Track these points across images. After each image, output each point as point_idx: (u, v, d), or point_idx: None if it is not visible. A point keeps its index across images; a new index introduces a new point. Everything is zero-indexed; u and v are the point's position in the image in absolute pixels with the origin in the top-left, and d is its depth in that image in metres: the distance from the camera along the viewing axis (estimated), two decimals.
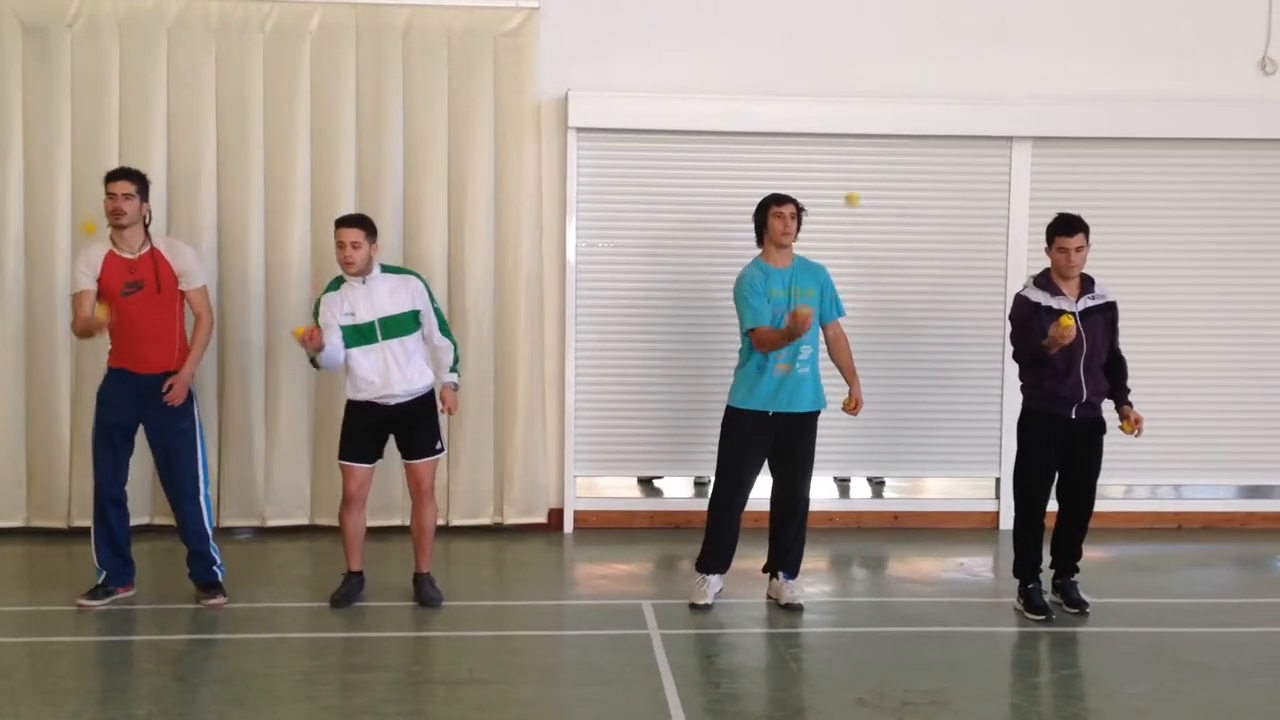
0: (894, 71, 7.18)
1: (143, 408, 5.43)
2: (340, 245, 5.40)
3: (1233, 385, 7.42)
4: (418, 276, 5.63)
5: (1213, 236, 7.38)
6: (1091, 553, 6.52)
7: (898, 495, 8.05)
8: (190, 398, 5.52)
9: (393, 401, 5.48)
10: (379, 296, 5.45)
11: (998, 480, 7.40)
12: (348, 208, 6.85)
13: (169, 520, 6.80)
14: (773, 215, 5.55)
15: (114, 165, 6.61)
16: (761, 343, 5.45)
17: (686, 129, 7.08)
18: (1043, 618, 5.46)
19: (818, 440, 5.71)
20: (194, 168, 6.76)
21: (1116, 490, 7.86)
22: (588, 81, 7.01)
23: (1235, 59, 7.32)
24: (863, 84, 7.15)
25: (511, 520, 7.07)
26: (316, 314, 5.51)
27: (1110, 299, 5.57)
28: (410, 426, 5.55)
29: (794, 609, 5.58)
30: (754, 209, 5.70)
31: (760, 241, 5.65)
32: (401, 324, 5.47)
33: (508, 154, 6.95)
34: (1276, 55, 7.30)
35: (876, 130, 7.14)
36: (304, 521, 6.94)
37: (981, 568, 6.69)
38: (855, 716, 4.32)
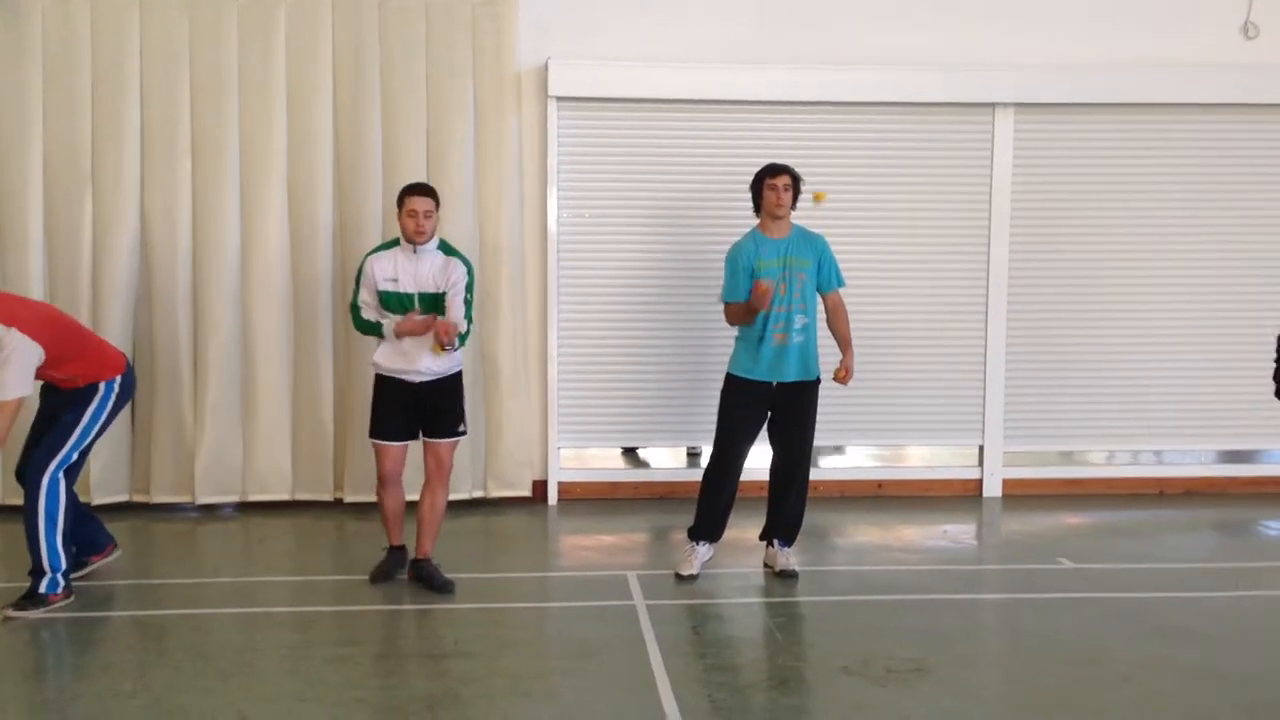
0: (877, 39, 7.14)
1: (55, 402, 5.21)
2: (412, 214, 5.21)
3: (1214, 351, 7.45)
4: (467, 265, 5.38)
5: (1195, 202, 7.39)
6: (1074, 519, 6.58)
7: (881, 463, 8.07)
8: (94, 401, 5.15)
9: (419, 379, 5.35)
10: (424, 269, 5.27)
11: (981, 448, 7.43)
12: (325, 180, 6.80)
13: (146, 498, 6.82)
14: (766, 187, 5.54)
15: (87, 139, 6.60)
16: (728, 317, 5.54)
17: (667, 98, 7.03)
18: None
19: None
20: (169, 141, 6.68)
21: (1098, 456, 7.91)
22: (568, 50, 6.95)
23: (1218, 24, 7.31)
24: (845, 51, 7.11)
25: (495, 493, 7.05)
26: (360, 274, 5.36)
27: None
28: (436, 405, 5.39)
29: (789, 575, 5.60)
30: (743, 178, 5.70)
31: (758, 211, 5.63)
32: (438, 303, 5.32)
33: (487, 124, 6.88)
34: (1259, 20, 7.29)
35: (859, 98, 7.11)
36: (285, 497, 6.91)
37: (965, 535, 6.72)
38: (840, 685, 4.33)
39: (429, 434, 5.46)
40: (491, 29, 6.83)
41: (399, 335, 5.29)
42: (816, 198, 5.94)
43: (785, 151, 6.52)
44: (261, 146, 6.74)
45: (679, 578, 5.56)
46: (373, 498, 6.75)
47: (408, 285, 5.29)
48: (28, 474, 5.10)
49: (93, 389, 5.19)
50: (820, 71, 7.04)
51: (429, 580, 5.43)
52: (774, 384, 5.52)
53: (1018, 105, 7.22)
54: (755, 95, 7.04)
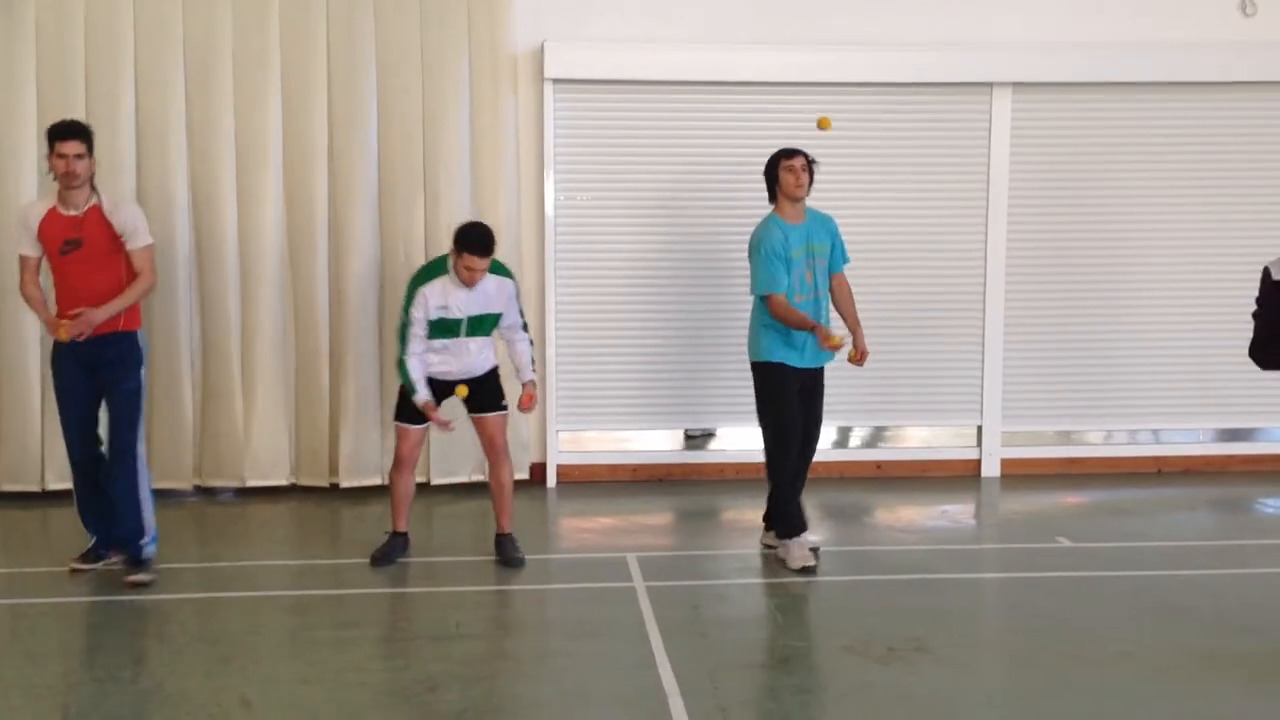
0: (874, 19, 7.10)
1: (94, 366, 5.24)
2: (470, 269, 5.24)
3: (1212, 329, 7.43)
4: (513, 280, 5.55)
5: (1193, 181, 7.37)
6: (1073, 498, 6.59)
7: (880, 444, 8.06)
8: (141, 359, 5.35)
9: (453, 379, 5.49)
10: (476, 297, 5.38)
11: (979, 428, 7.43)
12: (320, 165, 6.76)
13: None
14: (784, 169, 5.43)
15: (82, 119, 6.55)
16: (776, 312, 5.37)
17: (664, 79, 6.99)
18: None
19: None
20: (162, 122, 6.63)
21: (1096, 436, 7.91)
22: (564, 32, 6.91)
23: (1216, 1, 7.26)
24: (842, 32, 7.08)
25: None
26: (409, 303, 5.35)
27: None
28: (478, 387, 5.53)
29: (816, 550, 5.61)
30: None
31: (773, 197, 5.52)
32: (486, 324, 5.46)
33: (483, 107, 6.85)
34: None
35: (856, 79, 7.08)
36: (283, 482, 6.90)
37: (964, 515, 6.73)
38: (841, 664, 4.35)
39: (472, 409, 5.59)
40: (486, 10, 6.78)
41: (427, 413, 5.37)
42: (822, 124, 5.66)
43: (783, 133, 6.49)
44: (256, 130, 6.70)
45: (805, 570, 5.38)
46: (370, 482, 6.85)
47: (456, 312, 5.37)
48: (117, 456, 5.23)
49: (132, 344, 5.29)
50: (817, 52, 7.01)
51: (502, 555, 5.57)
52: (806, 369, 5.49)
53: (1015, 85, 7.19)
54: (753, 77, 7.01)
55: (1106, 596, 5.10)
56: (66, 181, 5.08)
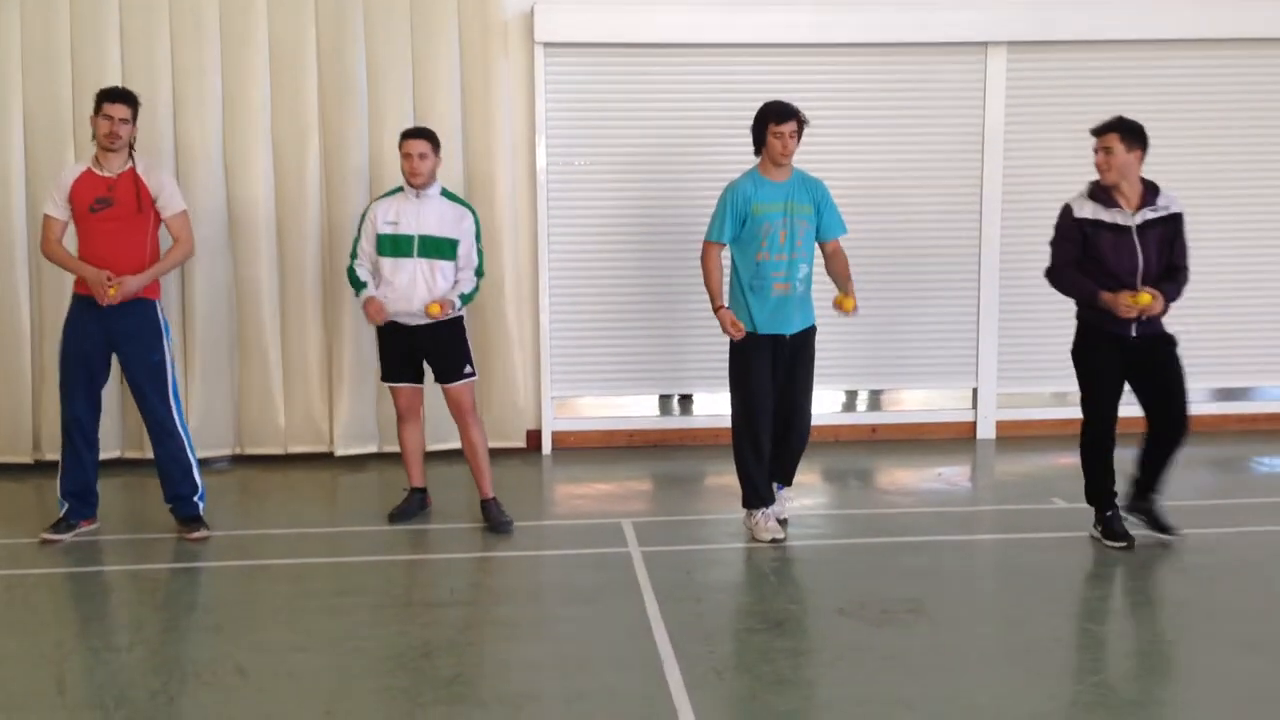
0: None
1: (113, 338, 5.30)
2: (407, 156, 5.39)
3: (1206, 289, 7.38)
4: (474, 214, 5.56)
5: (1194, 141, 7.31)
6: (1067, 459, 6.55)
7: (875, 407, 8.06)
8: (162, 330, 5.41)
9: (414, 322, 5.46)
10: (428, 214, 5.42)
11: (975, 390, 7.43)
12: (310, 132, 6.73)
13: (140, 453, 6.79)
14: (772, 135, 5.18)
15: (66, 91, 6.53)
16: (704, 262, 5.30)
17: (655, 42, 6.94)
18: (1124, 545, 5.15)
19: None
20: (149, 94, 6.50)
21: None
22: None
23: None
24: None
25: (489, 444, 6.99)
26: (363, 220, 5.54)
27: (1175, 210, 5.15)
28: (439, 352, 5.55)
29: (781, 523, 5.50)
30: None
31: (758, 151, 5.32)
32: (439, 247, 5.43)
33: (474, 72, 6.79)
34: None
35: (850, 39, 7.02)
36: (279, 450, 6.89)
37: (960, 477, 6.73)
38: (836, 626, 4.35)
39: (438, 379, 5.62)
40: None
41: (366, 309, 5.44)
42: (843, 305, 5.32)
43: (776, 95, 6.43)
44: (244, 98, 6.65)
45: (774, 541, 5.28)
46: (365, 450, 6.87)
47: (409, 228, 5.40)
48: (158, 429, 5.38)
49: (151, 314, 5.36)
50: (809, 13, 6.94)
51: (489, 519, 5.59)
52: (785, 336, 5.28)
53: (1010, 44, 7.13)
54: (743, 39, 6.95)
55: (1101, 556, 5.10)
56: (108, 142, 5.25)
